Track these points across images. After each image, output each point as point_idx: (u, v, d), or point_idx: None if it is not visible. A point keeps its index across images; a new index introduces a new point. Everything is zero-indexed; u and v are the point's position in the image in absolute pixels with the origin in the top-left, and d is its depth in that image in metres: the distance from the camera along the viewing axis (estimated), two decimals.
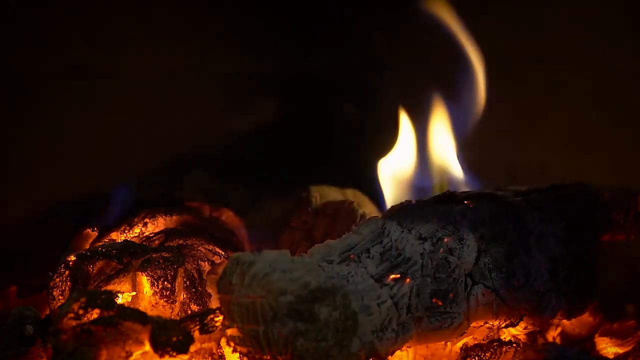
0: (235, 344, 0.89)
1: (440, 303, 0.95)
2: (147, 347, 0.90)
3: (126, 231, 1.18)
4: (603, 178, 1.19)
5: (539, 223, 1.03)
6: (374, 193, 1.37)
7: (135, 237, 1.17)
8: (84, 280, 1.08)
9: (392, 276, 0.93)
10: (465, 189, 1.24)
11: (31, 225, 1.57)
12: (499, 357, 1.03)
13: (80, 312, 0.90)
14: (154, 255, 1.08)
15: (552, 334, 1.17)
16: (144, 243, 1.15)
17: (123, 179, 1.71)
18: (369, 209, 1.29)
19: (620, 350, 1.13)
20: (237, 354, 0.92)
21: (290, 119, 1.96)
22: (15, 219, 1.55)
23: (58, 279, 1.08)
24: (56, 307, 1.07)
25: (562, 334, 1.18)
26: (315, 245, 0.97)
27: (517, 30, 1.65)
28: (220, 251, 1.16)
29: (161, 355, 0.90)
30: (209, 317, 0.93)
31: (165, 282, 1.07)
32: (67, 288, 1.08)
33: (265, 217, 1.72)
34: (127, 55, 1.69)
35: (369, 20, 1.91)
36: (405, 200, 1.06)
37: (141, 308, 1.04)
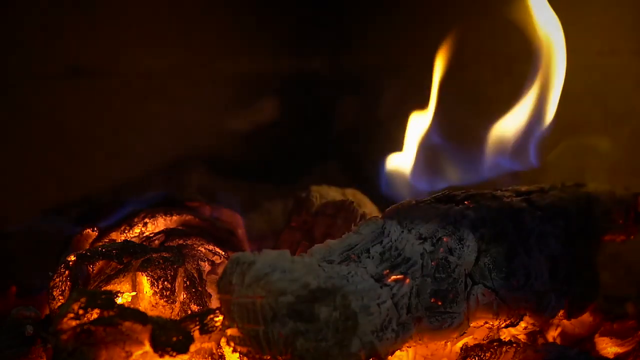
0: (235, 344, 0.89)
1: (440, 303, 0.95)
2: (147, 347, 0.90)
3: (126, 231, 1.18)
4: (603, 178, 1.19)
5: (539, 223, 1.03)
6: (374, 193, 1.37)
7: (135, 237, 1.17)
8: (84, 280, 1.08)
9: (393, 276, 0.93)
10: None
11: (31, 225, 1.57)
12: (499, 357, 1.03)
13: (80, 312, 0.90)
14: (154, 255, 1.08)
15: (552, 334, 1.17)
16: (144, 243, 1.15)
17: (123, 179, 1.71)
18: (369, 209, 1.29)
19: (620, 350, 1.13)
20: (237, 354, 0.92)
21: (290, 119, 1.96)
22: (15, 219, 1.55)
23: (58, 279, 1.08)
24: (56, 307, 1.07)
25: (562, 334, 1.18)
26: (315, 245, 0.97)
27: (516, 30, 1.65)
28: (220, 251, 1.16)
29: (161, 355, 0.90)
30: (209, 317, 0.93)
31: (165, 282, 1.07)
32: (67, 288, 1.07)
33: (265, 217, 1.72)
34: (127, 55, 1.69)
35: (369, 20, 1.91)
36: (405, 200, 1.06)
37: (141, 308, 1.04)
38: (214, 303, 1.07)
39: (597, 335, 1.17)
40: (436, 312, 0.95)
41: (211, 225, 1.23)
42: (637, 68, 1.49)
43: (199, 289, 1.10)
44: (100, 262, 1.09)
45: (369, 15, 1.89)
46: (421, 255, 0.96)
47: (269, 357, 0.88)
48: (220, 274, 0.90)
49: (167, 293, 1.06)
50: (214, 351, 1.00)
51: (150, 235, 1.18)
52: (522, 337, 1.09)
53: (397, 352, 0.99)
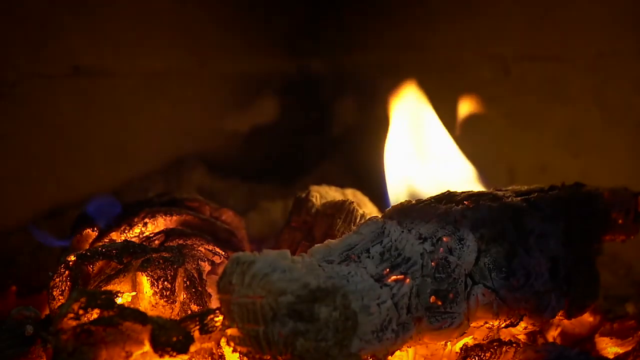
0: (235, 344, 0.89)
1: (440, 303, 0.95)
2: (147, 347, 0.90)
3: (126, 231, 1.18)
4: (603, 178, 1.19)
5: (539, 223, 1.03)
6: (374, 193, 1.37)
7: (135, 237, 1.17)
8: (84, 280, 1.08)
9: (393, 276, 0.93)
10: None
11: (31, 225, 1.57)
12: (499, 357, 1.03)
13: (80, 312, 0.90)
14: (154, 255, 1.08)
15: (552, 334, 1.17)
16: (144, 243, 1.15)
17: (123, 179, 1.71)
18: (369, 209, 1.29)
19: (620, 350, 1.13)
20: (237, 354, 0.92)
21: (290, 119, 1.97)
22: (15, 219, 1.55)
23: (58, 279, 1.08)
24: (56, 307, 1.07)
25: (562, 334, 1.18)
26: (315, 245, 0.97)
27: (517, 30, 1.65)
28: (220, 251, 1.16)
29: (161, 355, 0.90)
30: (209, 317, 0.93)
31: (165, 282, 1.07)
32: (67, 288, 1.07)
33: (265, 217, 1.72)
34: (127, 55, 1.69)
35: (368, 21, 1.91)
36: (405, 200, 1.06)
37: (141, 308, 1.04)
38: (214, 303, 1.07)
39: (597, 335, 1.17)
40: (436, 312, 0.95)
41: (211, 225, 1.23)
42: (637, 69, 1.49)
43: (199, 289, 1.10)
44: (100, 262, 1.09)
45: (369, 15, 1.90)
46: (421, 255, 0.96)
47: (269, 357, 0.88)
48: (220, 274, 0.90)
49: (167, 293, 1.06)
50: (214, 351, 1.00)
51: (150, 235, 1.18)
52: (522, 337, 1.09)
53: (397, 352, 0.99)
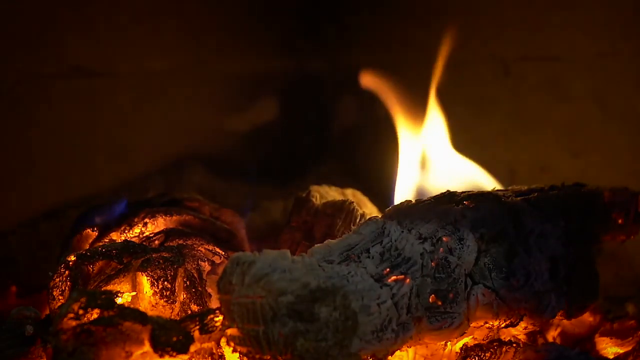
0: (235, 344, 0.89)
1: (440, 303, 0.95)
2: (147, 347, 0.90)
3: (126, 231, 1.18)
4: (603, 178, 1.19)
5: (539, 223, 1.03)
6: (374, 193, 1.37)
7: (135, 237, 1.17)
8: (84, 280, 1.08)
9: (393, 276, 0.93)
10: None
11: (31, 225, 1.57)
12: (499, 357, 1.03)
13: (80, 312, 0.90)
14: (154, 255, 1.08)
15: (552, 334, 1.17)
16: (144, 243, 1.15)
17: (123, 179, 1.71)
18: (369, 209, 1.29)
19: (620, 350, 1.13)
20: (237, 354, 0.92)
21: (289, 119, 1.96)
22: (16, 219, 1.55)
23: (58, 279, 1.08)
24: (56, 307, 1.07)
25: (562, 334, 1.18)
26: (315, 245, 0.97)
27: (517, 30, 1.65)
28: (220, 251, 1.16)
29: (161, 355, 0.90)
30: (209, 317, 0.93)
31: (165, 282, 1.07)
32: (67, 288, 1.07)
33: (265, 217, 1.72)
34: (127, 55, 1.69)
35: (368, 20, 1.91)
36: (405, 200, 1.06)
37: (141, 308, 1.04)
38: (214, 303, 1.07)
39: (597, 335, 1.17)
40: (436, 312, 0.95)
41: (211, 225, 1.23)
42: (637, 69, 1.49)
43: (199, 289, 1.10)
44: (100, 262, 1.09)
45: (369, 15, 1.89)
46: (421, 255, 0.96)
47: (269, 357, 0.87)
48: (220, 274, 0.90)
49: (167, 293, 1.06)
50: (214, 351, 1.00)
51: (150, 235, 1.17)
52: (522, 337, 1.09)
53: (397, 352, 0.99)
